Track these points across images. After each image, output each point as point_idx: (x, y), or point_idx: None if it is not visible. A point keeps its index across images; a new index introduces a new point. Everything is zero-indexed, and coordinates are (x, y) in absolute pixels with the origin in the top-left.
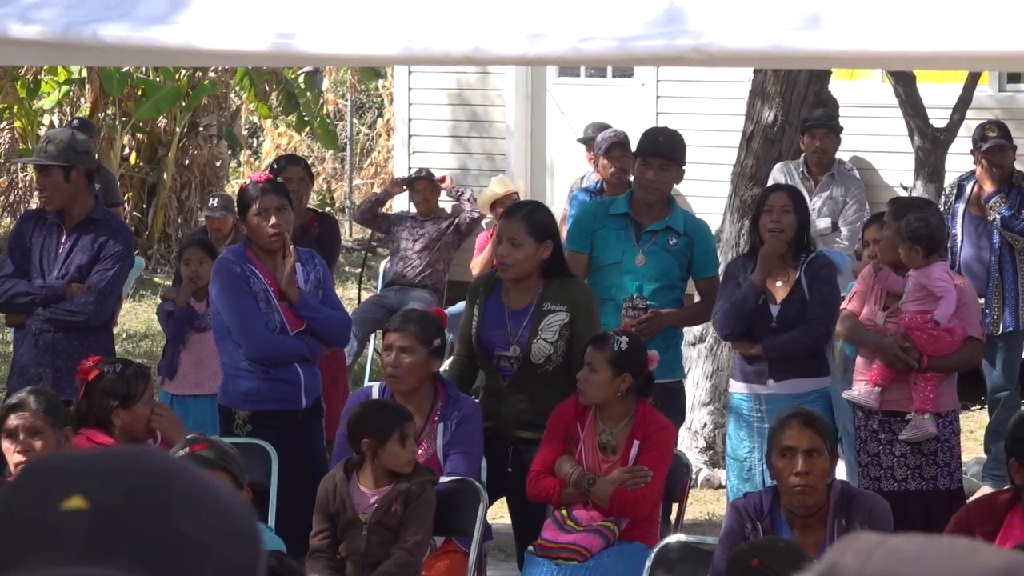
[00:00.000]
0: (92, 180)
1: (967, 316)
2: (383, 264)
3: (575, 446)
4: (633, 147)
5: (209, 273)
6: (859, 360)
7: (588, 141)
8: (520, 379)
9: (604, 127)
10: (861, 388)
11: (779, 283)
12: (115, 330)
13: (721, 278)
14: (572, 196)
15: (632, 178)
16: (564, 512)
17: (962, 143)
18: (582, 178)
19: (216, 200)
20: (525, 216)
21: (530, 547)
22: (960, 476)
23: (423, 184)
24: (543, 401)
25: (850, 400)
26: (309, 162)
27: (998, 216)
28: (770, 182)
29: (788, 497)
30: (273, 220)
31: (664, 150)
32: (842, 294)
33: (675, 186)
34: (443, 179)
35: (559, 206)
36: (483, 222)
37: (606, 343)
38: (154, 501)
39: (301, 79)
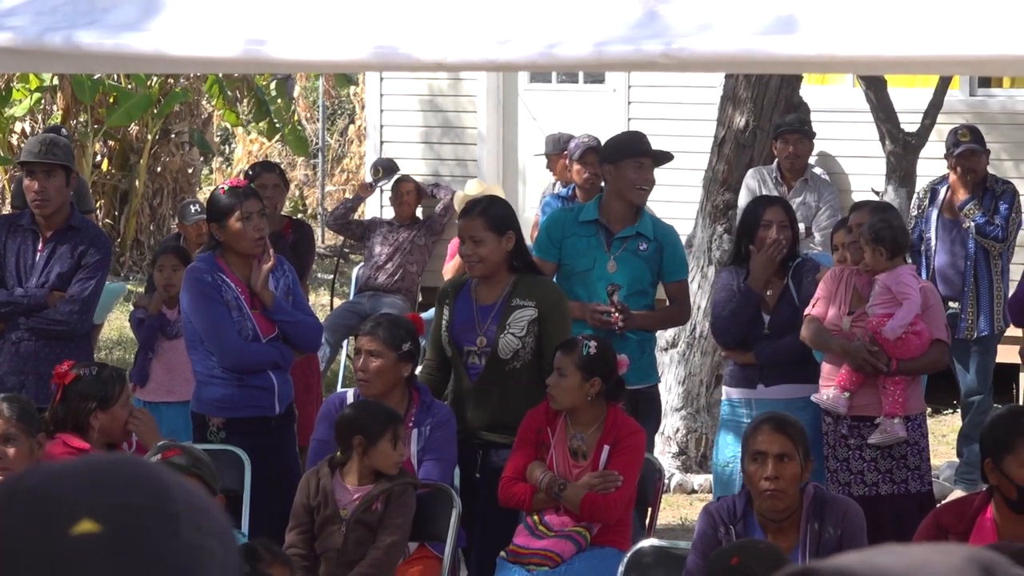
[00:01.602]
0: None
1: (933, 319)
2: (356, 270)
3: (546, 452)
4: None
5: (181, 280)
6: (825, 365)
7: (548, 156)
8: (488, 377)
9: (561, 139)
10: (829, 393)
11: (768, 291)
12: None
13: (714, 289)
14: (544, 202)
15: (606, 183)
16: (536, 518)
17: (933, 148)
18: (554, 184)
19: (196, 206)
20: (482, 212)
21: (502, 553)
22: (930, 479)
23: (407, 187)
24: (512, 402)
25: (818, 404)
26: None
27: (973, 223)
28: (743, 188)
29: (759, 501)
30: (258, 224)
31: (650, 149)
32: None
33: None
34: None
35: (531, 211)
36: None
37: (575, 348)
38: (164, 515)
39: (273, 86)
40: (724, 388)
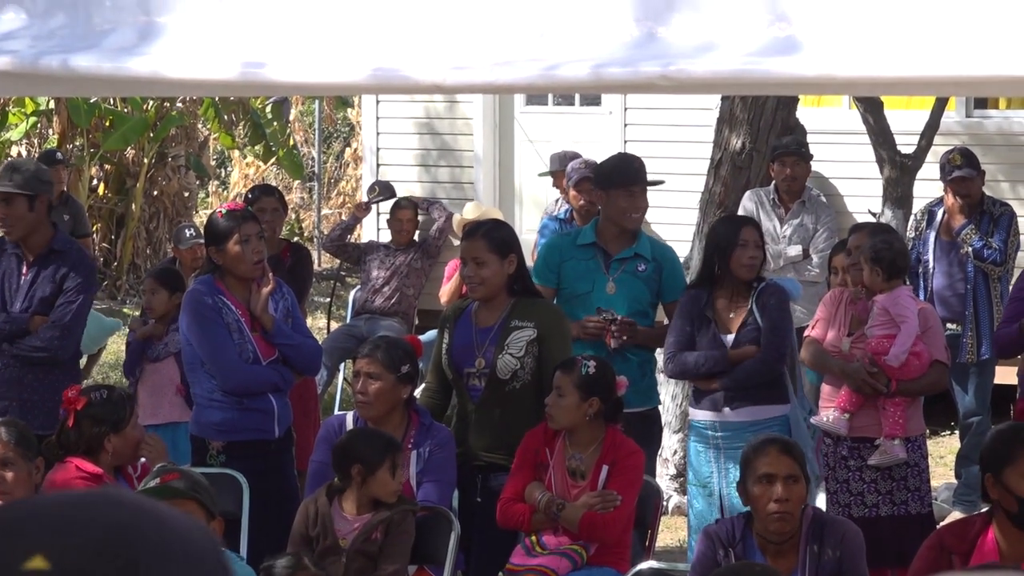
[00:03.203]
0: (51, 210)
1: (932, 340)
2: (352, 293)
3: (544, 472)
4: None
5: (161, 303)
6: (825, 387)
7: (554, 174)
8: (489, 398)
9: (567, 157)
10: (829, 415)
11: (731, 314)
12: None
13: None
14: (542, 224)
15: (602, 208)
16: (533, 538)
17: (930, 169)
18: (556, 201)
19: (191, 229)
20: (485, 234)
21: (500, 574)
22: (930, 500)
23: (406, 214)
24: (513, 422)
25: (818, 427)
26: None
27: (970, 249)
28: (741, 210)
29: (765, 524)
30: (256, 247)
31: (643, 176)
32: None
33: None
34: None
35: (528, 234)
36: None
37: (574, 368)
38: (120, 560)
39: (268, 109)
40: (690, 409)
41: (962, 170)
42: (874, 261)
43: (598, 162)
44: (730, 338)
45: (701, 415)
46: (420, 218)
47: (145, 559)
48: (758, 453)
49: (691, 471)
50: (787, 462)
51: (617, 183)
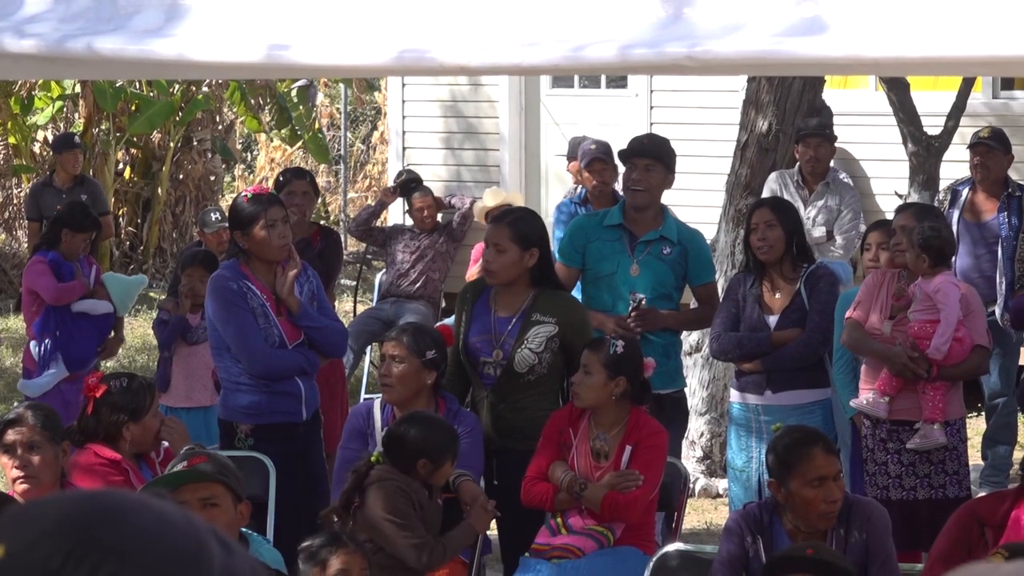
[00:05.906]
0: (69, 191)
1: (973, 324)
2: (379, 276)
3: (568, 452)
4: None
5: None
6: (865, 368)
7: (572, 159)
8: (502, 387)
9: (582, 143)
10: (869, 397)
11: (777, 295)
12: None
13: (722, 293)
14: (557, 207)
15: (618, 186)
16: (559, 519)
17: (956, 150)
18: (576, 188)
19: (216, 213)
20: (511, 223)
21: (526, 553)
22: (968, 484)
23: (426, 200)
24: (525, 408)
25: (858, 408)
26: None
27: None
28: (765, 191)
29: (814, 521)
30: (282, 231)
31: (649, 150)
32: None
33: (667, 193)
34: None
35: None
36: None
37: (602, 346)
38: (68, 546)
39: (294, 93)
40: (732, 391)
41: (987, 140)
42: (922, 248)
43: (620, 144)
44: (773, 319)
45: (743, 398)
46: (442, 210)
47: (107, 561)
48: (803, 456)
49: (730, 454)
50: (833, 461)
51: (622, 156)
